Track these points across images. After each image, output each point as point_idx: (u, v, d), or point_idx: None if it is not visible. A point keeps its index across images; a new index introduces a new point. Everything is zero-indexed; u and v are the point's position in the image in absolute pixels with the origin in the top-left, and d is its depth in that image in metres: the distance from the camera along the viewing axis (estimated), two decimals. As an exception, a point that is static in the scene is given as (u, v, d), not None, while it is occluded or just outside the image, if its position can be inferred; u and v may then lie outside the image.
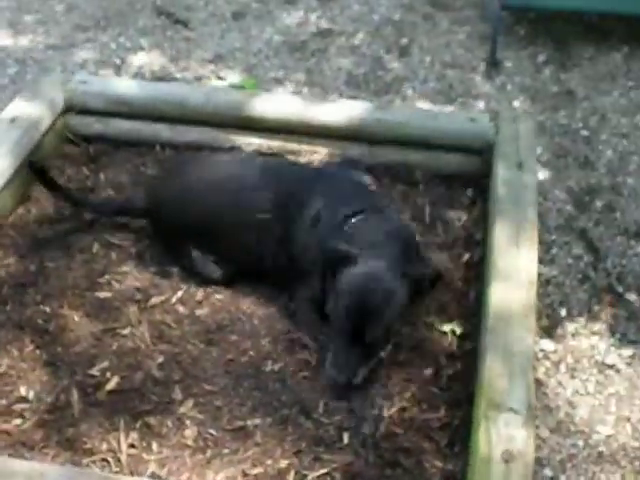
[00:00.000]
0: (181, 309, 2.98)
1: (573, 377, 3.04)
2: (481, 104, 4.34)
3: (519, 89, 4.46)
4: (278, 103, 3.62)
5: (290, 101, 3.65)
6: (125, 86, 3.71)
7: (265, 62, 4.61)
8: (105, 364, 2.79)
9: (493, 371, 2.52)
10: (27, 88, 3.67)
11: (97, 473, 2.40)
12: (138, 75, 4.49)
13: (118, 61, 4.59)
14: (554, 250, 3.51)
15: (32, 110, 3.52)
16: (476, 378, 2.59)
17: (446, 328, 2.89)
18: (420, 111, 3.74)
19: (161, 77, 4.47)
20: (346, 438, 2.58)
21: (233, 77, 4.48)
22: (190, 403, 2.68)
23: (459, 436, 2.59)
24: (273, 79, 4.49)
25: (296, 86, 4.43)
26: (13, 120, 3.44)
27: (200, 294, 3.02)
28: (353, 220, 2.85)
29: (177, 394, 2.70)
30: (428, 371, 2.76)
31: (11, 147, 3.33)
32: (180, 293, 3.03)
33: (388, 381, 2.72)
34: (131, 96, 3.64)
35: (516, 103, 4.37)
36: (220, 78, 4.44)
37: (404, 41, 4.81)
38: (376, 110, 3.57)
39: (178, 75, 4.49)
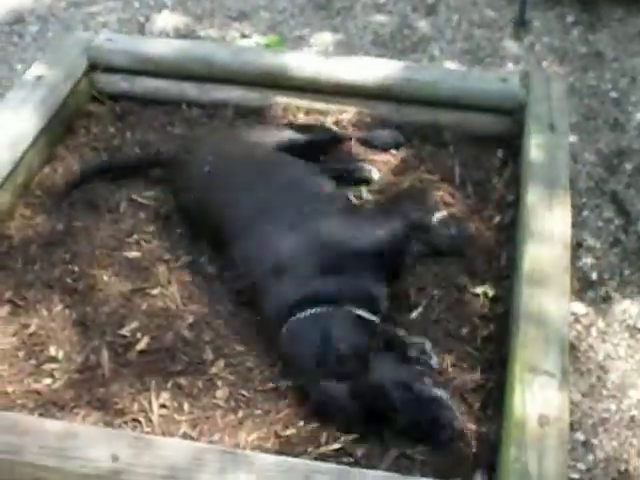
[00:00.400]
0: (210, 269, 2.95)
1: (604, 341, 3.01)
2: (509, 65, 4.28)
3: (547, 50, 4.40)
4: (306, 61, 3.56)
5: (318, 59, 3.60)
6: (151, 44, 3.65)
7: (290, 20, 4.55)
8: (135, 324, 2.77)
9: (528, 334, 2.49)
10: (51, 46, 3.62)
11: (130, 434, 2.38)
12: (162, 34, 4.43)
13: (142, 19, 4.54)
14: (585, 213, 3.48)
15: (57, 69, 3.48)
16: (510, 341, 2.56)
17: (479, 290, 2.85)
18: (450, 71, 3.69)
19: (185, 35, 4.42)
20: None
21: (258, 35, 4.42)
22: (221, 364, 2.66)
23: (492, 399, 2.56)
24: (298, 37, 4.43)
25: (321, 45, 4.37)
26: (38, 79, 3.40)
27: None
28: None
29: (208, 355, 2.68)
30: (463, 332, 2.72)
31: (37, 106, 3.30)
32: (208, 253, 2.99)
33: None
34: (157, 54, 3.59)
35: (544, 64, 4.31)
36: (245, 36, 4.39)
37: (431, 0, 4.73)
38: (406, 69, 3.51)
39: (202, 33, 4.45)
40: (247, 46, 4.16)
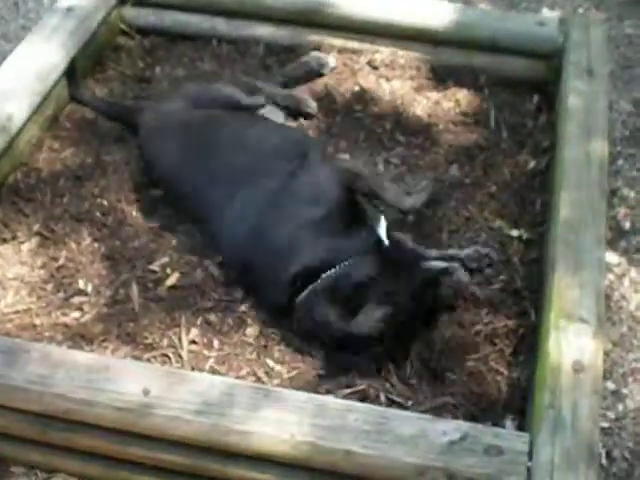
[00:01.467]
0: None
1: (636, 291, 2.97)
2: (545, 10, 4.17)
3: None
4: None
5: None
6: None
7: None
8: (165, 260, 2.74)
9: (563, 280, 2.45)
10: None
11: (162, 368, 2.36)
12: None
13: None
14: (619, 162, 3.41)
15: (86, 2, 3.41)
16: (545, 287, 2.53)
17: (513, 234, 2.81)
18: (487, 12, 3.61)
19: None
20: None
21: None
22: (251, 302, 2.63)
23: (525, 345, 2.53)
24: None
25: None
26: (69, 9, 3.34)
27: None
28: None
29: (238, 293, 2.66)
30: (496, 276, 2.69)
31: (67, 38, 3.25)
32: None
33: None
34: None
35: (580, 10, 4.20)
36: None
37: None
38: (442, 10, 3.43)
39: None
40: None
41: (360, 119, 3.25)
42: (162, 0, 3.53)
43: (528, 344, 2.53)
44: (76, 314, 2.63)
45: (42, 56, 3.15)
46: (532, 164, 3.08)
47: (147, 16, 3.56)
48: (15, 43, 3.73)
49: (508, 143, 3.16)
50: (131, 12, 3.57)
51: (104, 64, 3.46)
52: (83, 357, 2.30)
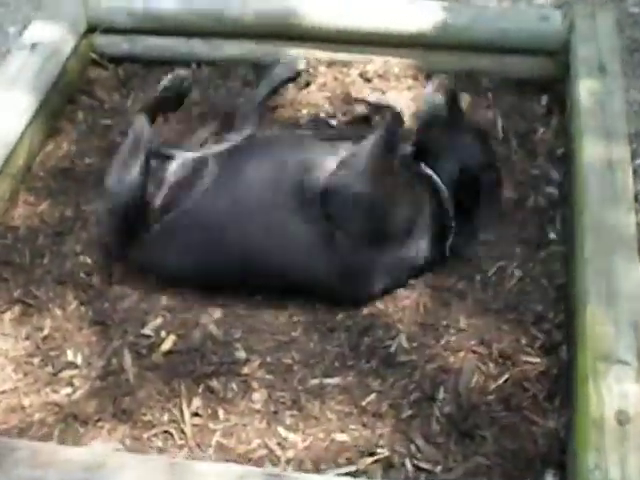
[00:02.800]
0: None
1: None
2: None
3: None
4: (324, 8, 3.23)
5: (338, 5, 3.26)
6: (153, -1, 3.32)
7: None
8: (158, 321, 2.52)
9: (597, 314, 2.23)
10: (45, 7, 3.29)
11: (164, 459, 2.14)
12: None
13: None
14: (637, 162, 3.16)
15: (53, 33, 3.18)
16: (576, 321, 2.30)
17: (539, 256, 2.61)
18: (483, 10, 3.35)
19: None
20: (441, 393, 2.31)
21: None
22: (256, 363, 2.41)
23: (559, 386, 2.31)
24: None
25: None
26: (33, 47, 3.09)
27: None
28: None
29: (240, 353, 2.44)
30: (523, 312, 2.48)
31: (33, 78, 3.00)
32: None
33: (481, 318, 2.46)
34: (160, 10, 3.27)
35: (578, -8, 3.93)
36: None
37: None
38: (435, 12, 3.18)
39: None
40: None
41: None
42: (133, 25, 3.27)
43: (562, 385, 2.30)
44: (67, 390, 2.41)
45: (8, 101, 2.91)
46: (547, 176, 2.84)
47: (119, 43, 3.31)
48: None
49: (519, 154, 2.92)
50: (102, 40, 3.31)
51: (76, 100, 3.21)
52: (76, 453, 2.08)
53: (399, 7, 3.20)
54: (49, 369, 2.45)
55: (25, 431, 2.30)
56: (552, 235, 2.68)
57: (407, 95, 3.14)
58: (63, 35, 3.19)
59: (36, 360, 2.47)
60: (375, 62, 3.22)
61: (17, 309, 2.59)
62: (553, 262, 2.61)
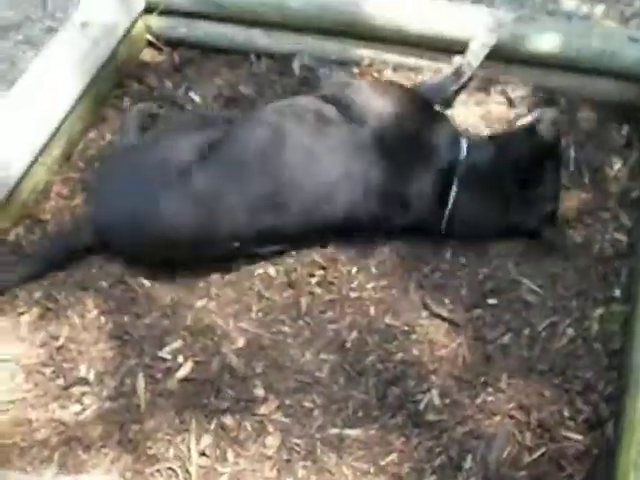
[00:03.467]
0: (273, 273, 2.51)
1: None
2: (638, 2, 3.59)
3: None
4: (395, 7, 2.99)
5: (412, 6, 3.01)
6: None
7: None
8: (177, 344, 2.37)
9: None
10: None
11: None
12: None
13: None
14: None
15: (106, 11, 2.99)
16: (628, 401, 2.07)
17: (596, 313, 2.40)
18: (571, 26, 3.06)
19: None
20: (469, 461, 2.11)
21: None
22: (274, 404, 2.24)
23: (600, 469, 2.09)
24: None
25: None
26: (84, 25, 2.92)
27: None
28: None
29: (259, 390, 2.27)
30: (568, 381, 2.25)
31: (81, 59, 2.84)
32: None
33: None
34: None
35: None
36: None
37: None
38: (516, 21, 2.91)
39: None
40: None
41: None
42: (193, 8, 3.08)
43: (603, 469, 2.08)
44: (76, 407, 2.29)
45: (52, 83, 2.75)
46: (618, 220, 2.58)
47: (177, 27, 3.13)
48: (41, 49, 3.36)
49: (590, 191, 2.66)
50: (159, 22, 3.13)
51: (125, 85, 3.04)
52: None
53: (477, 16, 2.94)
54: (60, 382, 2.33)
55: (26, 452, 2.19)
56: (615, 291, 2.43)
57: (476, 111, 2.90)
58: (117, 14, 3.00)
59: (48, 371, 2.35)
60: (445, 70, 2.96)
61: (35, 311, 2.46)
62: (611, 323, 2.37)
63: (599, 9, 3.58)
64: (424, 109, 2.62)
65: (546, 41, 2.87)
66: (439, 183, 2.48)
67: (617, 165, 2.73)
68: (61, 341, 2.40)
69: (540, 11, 3.56)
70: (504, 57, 2.92)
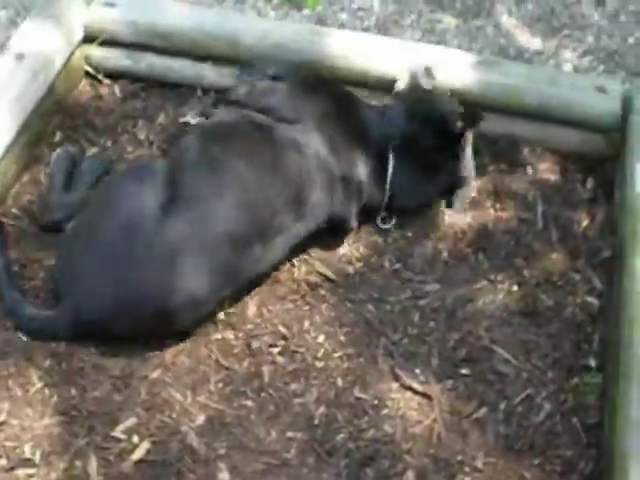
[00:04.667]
0: (232, 339, 2.35)
1: None
2: (590, 39, 3.54)
3: (636, 20, 3.64)
4: (354, 45, 2.86)
5: (369, 42, 2.89)
6: (162, 11, 2.91)
7: (329, -38, 3.76)
8: (132, 421, 2.19)
9: None
10: (36, 12, 2.87)
11: None
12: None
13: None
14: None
15: (43, 41, 2.76)
16: None
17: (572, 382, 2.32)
18: (534, 71, 2.96)
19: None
20: None
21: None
22: (239, 488, 2.08)
23: None
24: (338, -12, 3.66)
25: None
26: (19, 57, 2.69)
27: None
28: None
29: (223, 474, 2.12)
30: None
31: (15, 96, 2.61)
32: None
33: None
34: (169, 25, 2.86)
35: (631, 40, 3.56)
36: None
37: (495, -59, 3.92)
38: (479, 66, 2.80)
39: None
40: (281, 21, 3.35)
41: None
42: (137, 39, 2.87)
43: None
44: (20, 494, 2.08)
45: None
46: (589, 282, 2.51)
47: (119, 58, 2.91)
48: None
49: (559, 250, 2.58)
50: (99, 52, 2.92)
51: (62, 122, 2.81)
52: None
53: (438, 55, 2.83)
54: (2, 463, 2.12)
55: None
56: (590, 359, 2.35)
57: (438, 159, 2.78)
58: (55, 45, 2.78)
59: (-12, 450, 2.14)
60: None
61: (-29, 382, 2.24)
62: (587, 395, 2.29)
63: (551, 44, 3.50)
64: (345, 95, 2.65)
65: (509, 88, 2.77)
66: (379, 159, 2.53)
67: (585, 222, 2.65)
68: (2, 416, 2.18)
69: (492, 46, 3.47)
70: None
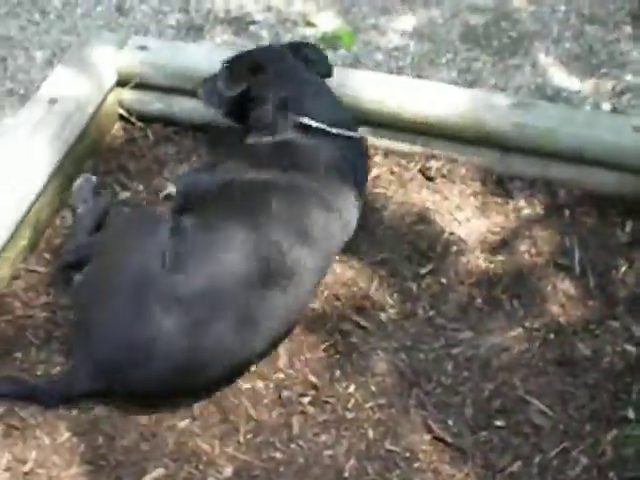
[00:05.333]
0: (262, 389, 2.31)
1: None
2: (629, 77, 3.48)
3: (677, 56, 3.59)
4: (385, 87, 2.83)
5: (401, 84, 2.87)
6: (194, 56, 2.91)
7: (363, 2, 3.76)
8: (159, 472, 2.16)
9: None
10: (69, 55, 2.90)
11: None
12: (210, 14, 3.66)
13: (187, -9, 3.76)
14: None
15: (76, 85, 2.78)
16: None
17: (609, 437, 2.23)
18: (571, 113, 2.91)
19: (238, 18, 3.65)
20: None
21: (325, 21, 3.64)
22: None
23: None
24: (372, 27, 3.65)
25: (400, 37, 3.60)
26: (53, 102, 2.70)
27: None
28: None
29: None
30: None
31: (51, 138, 2.62)
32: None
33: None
34: (201, 69, 2.84)
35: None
36: (310, 24, 3.62)
37: (533, -21, 3.89)
38: (515, 108, 2.76)
39: (258, 17, 3.67)
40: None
41: (403, 253, 2.62)
42: (169, 83, 2.87)
43: None
44: None
45: (19, 168, 2.53)
46: (627, 330, 2.45)
47: (152, 102, 2.91)
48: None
49: (596, 297, 2.52)
50: (132, 96, 2.92)
51: (95, 165, 2.82)
52: None
53: (475, 98, 2.79)
54: (27, 517, 2.10)
55: None
56: (629, 411, 2.28)
57: (472, 202, 2.74)
58: (88, 89, 2.79)
59: (14, 500, 2.11)
60: (439, 158, 2.81)
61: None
62: (626, 448, 2.21)
63: (589, 82, 3.45)
64: None
65: (546, 130, 2.72)
66: None
67: (623, 267, 2.59)
68: (29, 465, 2.16)
69: (528, 85, 3.43)
70: (501, 146, 2.77)
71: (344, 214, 2.41)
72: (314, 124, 2.47)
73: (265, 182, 2.37)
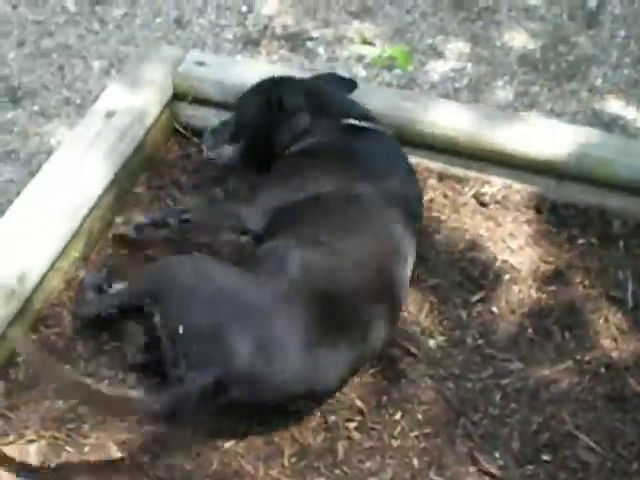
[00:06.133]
0: (308, 412, 2.29)
1: None
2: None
3: None
4: (443, 111, 2.82)
5: (459, 110, 2.85)
6: (251, 72, 2.91)
7: (421, 22, 3.75)
8: (205, 492, 2.15)
9: None
10: (127, 69, 2.92)
11: None
12: (267, 30, 3.67)
13: (244, 8, 3.77)
14: None
15: (133, 99, 2.80)
16: None
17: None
18: (629, 143, 2.88)
19: (295, 34, 3.66)
20: None
21: (381, 41, 3.64)
22: None
23: None
24: (430, 48, 3.64)
25: (457, 60, 3.58)
26: (109, 115, 2.72)
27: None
28: None
29: None
30: None
31: (107, 152, 2.64)
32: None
33: None
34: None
35: None
36: (367, 42, 3.61)
37: (592, 3, 3.85)
38: (576, 137, 2.73)
39: (315, 34, 3.68)
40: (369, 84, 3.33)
41: (454, 280, 2.60)
42: (225, 99, 2.88)
43: None
44: None
45: (74, 179, 2.56)
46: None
47: (208, 117, 2.92)
48: (55, 122, 3.18)
49: (650, 335, 2.47)
50: (187, 110, 2.93)
51: (149, 179, 2.83)
52: None
53: (530, 124, 2.77)
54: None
55: None
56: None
57: (526, 230, 2.71)
58: (145, 102, 2.81)
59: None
60: (493, 183, 2.79)
61: (44, 442, 2.23)
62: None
63: (646, 113, 3.42)
64: None
65: (603, 160, 2.69)
66: None
67: (679, 303, 2.54)
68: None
69: (585, 111, 3.39)
70: (557, 174, 2.74)
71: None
72: (366, 125, 2.51)
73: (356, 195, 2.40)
